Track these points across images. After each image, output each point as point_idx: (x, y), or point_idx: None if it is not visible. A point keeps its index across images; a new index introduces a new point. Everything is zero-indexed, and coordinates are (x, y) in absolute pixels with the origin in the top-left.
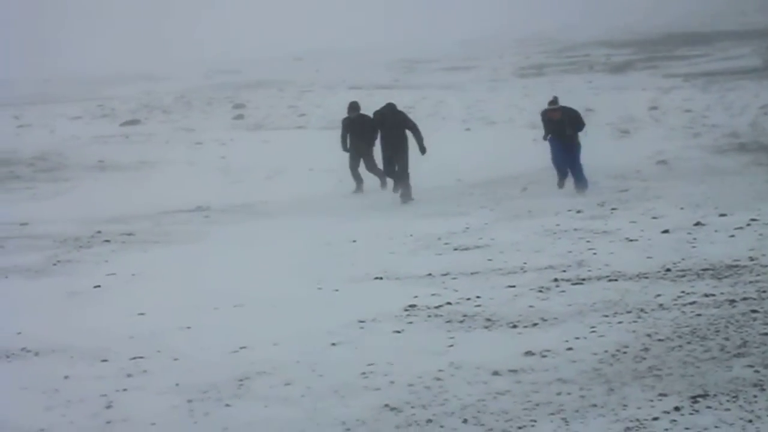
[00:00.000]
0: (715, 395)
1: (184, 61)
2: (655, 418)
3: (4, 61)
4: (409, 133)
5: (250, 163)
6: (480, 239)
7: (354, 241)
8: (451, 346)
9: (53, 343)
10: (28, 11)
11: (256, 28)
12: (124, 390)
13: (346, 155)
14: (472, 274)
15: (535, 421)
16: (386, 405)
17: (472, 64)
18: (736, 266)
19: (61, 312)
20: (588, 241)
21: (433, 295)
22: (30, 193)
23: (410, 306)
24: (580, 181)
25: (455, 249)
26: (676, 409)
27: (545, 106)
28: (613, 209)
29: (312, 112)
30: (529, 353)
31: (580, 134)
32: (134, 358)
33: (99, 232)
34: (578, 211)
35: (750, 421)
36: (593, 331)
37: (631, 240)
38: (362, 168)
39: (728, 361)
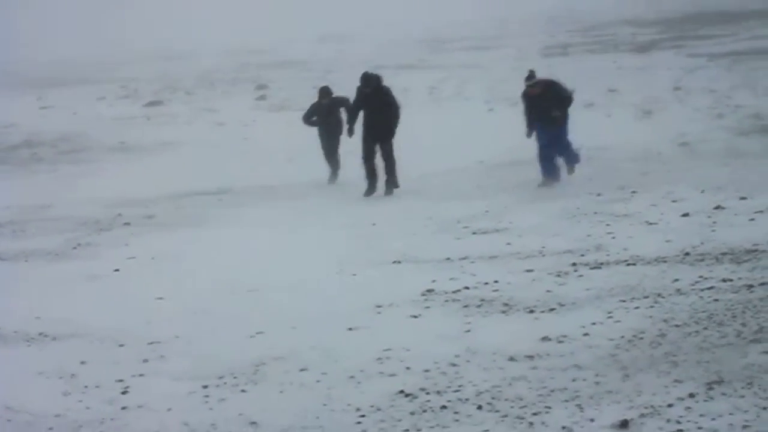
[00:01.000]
0: (730, 382)
1: (207, 42)
2: (670, 405)
3: (26, 43)
4: None
5: (273, 145)
6: (499, 223)
7: (373, 225)
8: (468, 331)
9: (71, 328)
10: None
11: (279, 8)
12: (141, 375)
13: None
14: (490, 258)
15: (549, 407)
16: (401, 391)
17: (497, 43)
18: (755, 251)
19: (80, 296)
20: (607, 225)
21: (451, 279)
22: (52, 175)
23: (428, 290)
24: (572, 158)
25: (474, 233)
26: (691, 395)
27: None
28: (633, 192)
29: (337, 93)
30: (545, 339)
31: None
32: (151, 343)
33: (120, 214)
34: (598, 194)
35: (765, 408)
36: (610, 317)
37: (651, 223)
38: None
39: (744, 347)
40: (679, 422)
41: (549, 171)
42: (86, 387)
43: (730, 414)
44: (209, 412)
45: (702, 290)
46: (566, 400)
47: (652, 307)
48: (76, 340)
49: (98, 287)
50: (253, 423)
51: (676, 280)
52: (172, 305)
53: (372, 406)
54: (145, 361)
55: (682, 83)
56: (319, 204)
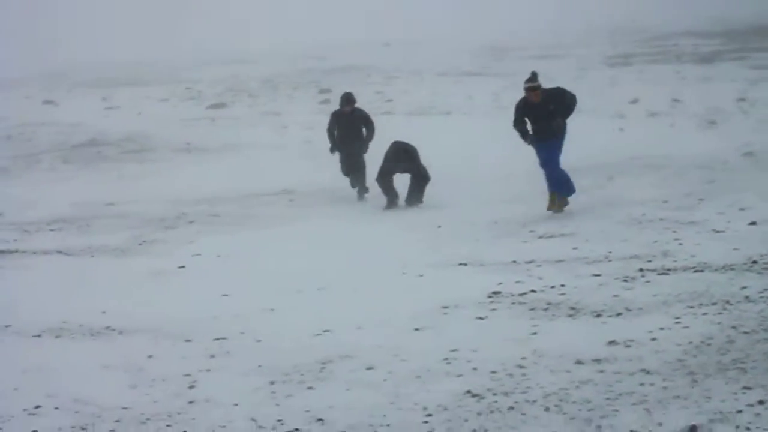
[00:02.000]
0: None
1: (270, 46)
2: (739, 411)
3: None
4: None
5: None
6: (565, 227)
7: (439, 227)
8: (535, 333)
9: (137, 323)
10: None
11: (343, 13)
12: (207, 370)
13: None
14: (556, 262)
15: (617, 410)
16: (468, 391)
17: (559, 52)
18: None
19: (145, 291)
20: (674, 231)
21: (517, 282)
22: (117, 173)
23: (494, 293)
24: (564, 185)
25: (540, 237)
26: (760, 402)
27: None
28: (699, 200)
29: (398, 98)
30: (612, 343)
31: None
32: (218, 338)
33: (184, 213)
34: (664, 201)
35: None
36: (678, 322)
37: (718, 231)
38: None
39: None
40: (748, 429)
41: (562, 184)
42: (153, 381)
43: None
44: (276, 408)
45: None
46: (634, 404)
47: (720, 313)
48: (142, 335)
49: (164, 283)
50: (320, 420)
51: (744, 287)
52: (238, 302)
53: (439, 406)
54: (212, 356)
55: (746, 94)
56: (382, 207)
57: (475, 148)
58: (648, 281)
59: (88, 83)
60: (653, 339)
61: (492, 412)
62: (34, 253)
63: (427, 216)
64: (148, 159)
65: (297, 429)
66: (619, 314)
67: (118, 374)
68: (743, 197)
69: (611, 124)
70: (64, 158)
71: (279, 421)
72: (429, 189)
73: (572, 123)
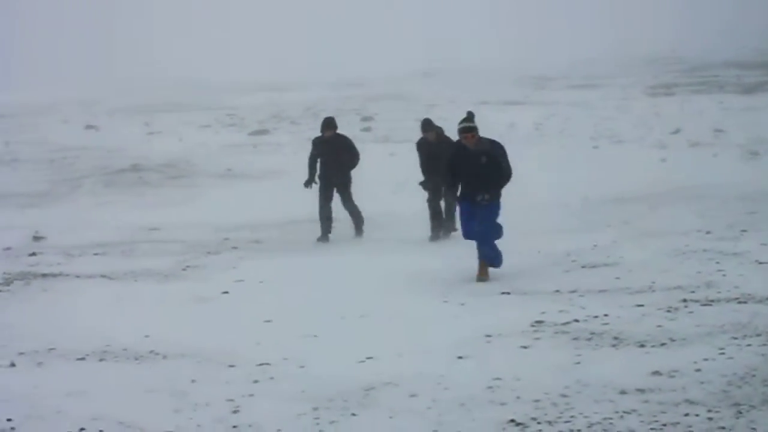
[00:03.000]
0: None
1: (311, 74)
2: None
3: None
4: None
5: (377, 176)
6: (608, 257)
7: None
8: (578, 363)
9: (181, 347)
10: (154, 20)
11: (384, 42)
12: (251, 395)
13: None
14: (599, 291)
15: None
16: (512, 420)
17: (600, 82)
18: None
19: (189, 316)
20: (717, 262)
21: (560, 311)
22: (159, 199)
23: (537, 322)
24: (492, 253)
25: (583, 266)
26: None
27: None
28: (742, 231)
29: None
30: (656, 373)
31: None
32: (261, 364)
33: (227, 238)
34: (707, 232)
35: None
36: (722, 353)
37: (761, 262)
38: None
39: None
40: None
41: (488, 253)
42: (197, 405)
43: None
44: None
45: None
46: None
47: (764, 345)
48: (186, 359)
49: (207, 308)
50: None
51: None
52: (281, 328)
53: None
54: (255, 381)
55: None
56: (423, 236)
57: (517, 176)
58: (691, 312)
59: (129, 108)
60: (697, 370)
61: None
62: (78, 276)
63: (468, 244)
64: (190, 184)
65: None
66: (662, 344)
67: (162, 398)
68: None
69: (653, 154)
70: (105, 183)
71: None
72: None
73: (614, 152)
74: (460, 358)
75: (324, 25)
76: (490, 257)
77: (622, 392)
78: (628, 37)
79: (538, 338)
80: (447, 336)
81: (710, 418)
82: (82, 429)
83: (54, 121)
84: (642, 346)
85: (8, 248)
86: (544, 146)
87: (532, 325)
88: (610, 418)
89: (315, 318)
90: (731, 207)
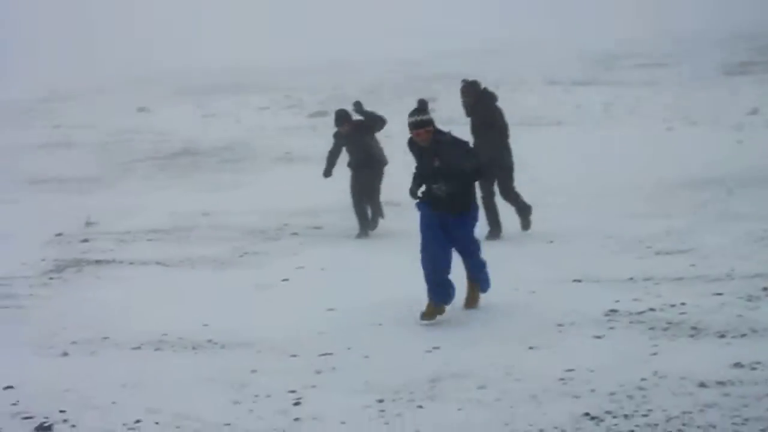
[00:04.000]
0: None
1: (372, 53)
2: None
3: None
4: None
5: None
6: (683, 243)
7: (551, 242)
8: (655, 354)
9: (240, 336)
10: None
11: (445, 20)
12: (313, 387)
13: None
14: (675, 279)
15: None
16: (586, 413)
17: (672, 60)
18: None
19: (248, 304)
20: None
21: (635, 300)
22: (214, 183)
23: (611, 311)
24: (482, 274)
25: (657, 253)
26: None
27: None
28: None
29: (505, 108)
30: (738, 365)
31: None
32: (323, 354)
33: (286, 224)
34: None
35: None
36: None
37: None
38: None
39: None
40: None
41: (437, 291)
42: (257, 396)
43: None
44: (385, 427)
45: None
46: (762, 430)
47: None
48: (245, 349)
49: (267, 296)
50: None
51: None
52: (343, 317)
53: (555, 428)
54: (318, 372)
55: None
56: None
57: (587, 160)
58: None
59: (183, 90)
60: None
61: None
62: (132, 263)
63: (539, 230)
64: (247, 168)
65: None
66: (743, 335)
67: (221, 389)
68: None
69: (729, 136)
70: (159, 167)
71: None
72: (540, 202)
73: (688, 134)
74: (531, 348)
75: (378, 4)
76: (485, 278)
77: (702, 385)
78: (702, 14)
79: (612, 328)
80: (517, 325)
81: None
82: (138, 421)
83: (106, 104)
84: (722, 336)
85: (60, 234)
86: (614, 128)
87: (606, 315)
88: (690, 412)
89: (379, 306)
90: None
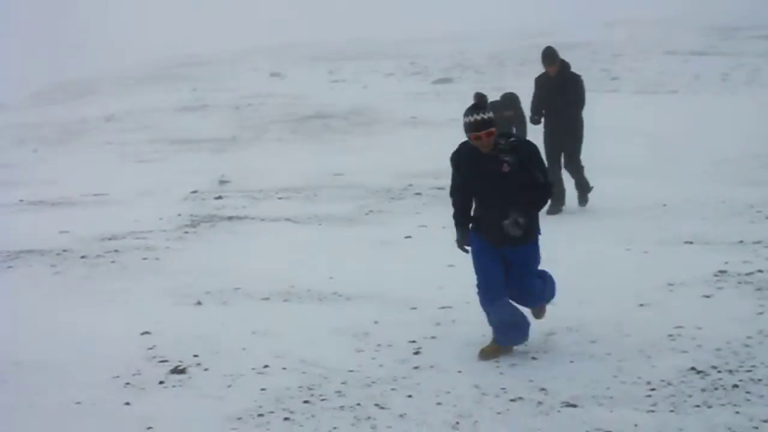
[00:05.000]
0: None
1: (497, 24)
2: None
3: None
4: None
5: None
6: None
7: (664, 205)
8: (761, 313)
9: (364, 290)
10: None
11: None
12: (433, 338)
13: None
14: None
15: None
16: (692, 368)
17: None
18: None
19: (372, 260)
20: None
21: (744, 262)
22: (344, 145)
23: (720, 271)
24: (540, 294)
25: (767, 217)
26: None
27: None
28: None
29: (625, 76)
30: None
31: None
32: (443, 307)
33: (410, 185)
34: None
35: None
36: None
37: None
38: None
39: None
40: None
41: (502, 327)
42: (379, 345)
43: None
44: (500, 377)
45: None
46: None
47: None
48: (368, 301)
49: (390, 252)
50: (543, 389)
51: None
52: (463, 272)
53: (663, 381)
54: (437, 324)
55: None
56: (607, 183)
57: (703, 127)
58: None
59: (314, 56)
60: None
61: (716, 389)
62: (263, 219)
63: (653, 194)
64: (374, 131)
65: (520, 397)
66: None
67: (345, 338)
68: None
69: None
70: (291, 129)
71: (503, 389)
72: (653, 167)
73: None
74: (641, 305)
75: None
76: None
77: None
78: None
79: (720, 288)
80: (628, 283)
81: None
82: (266, 366)
83: (241, 69)
84: None
85: (195, 191)
86: (732, 97)
87: (715, 275)
88: None
89: None
90: None
